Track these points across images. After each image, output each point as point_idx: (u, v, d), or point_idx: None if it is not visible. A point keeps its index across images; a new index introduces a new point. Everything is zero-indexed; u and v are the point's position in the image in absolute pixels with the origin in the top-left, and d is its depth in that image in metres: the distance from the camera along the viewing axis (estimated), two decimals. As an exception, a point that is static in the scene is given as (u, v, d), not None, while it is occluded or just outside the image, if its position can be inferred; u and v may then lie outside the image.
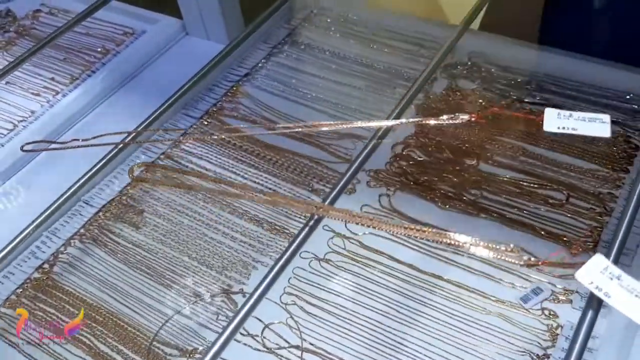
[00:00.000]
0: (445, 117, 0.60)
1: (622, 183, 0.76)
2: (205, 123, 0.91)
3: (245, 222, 0.78)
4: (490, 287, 0.69)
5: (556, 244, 0.71)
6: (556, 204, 0.75)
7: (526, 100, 0.88)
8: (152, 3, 1.15)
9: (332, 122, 0.67)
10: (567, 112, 0.50)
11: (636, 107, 0.83)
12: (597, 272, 0.46)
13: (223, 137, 0.87)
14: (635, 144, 0.80)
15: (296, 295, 0.70)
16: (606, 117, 0.49)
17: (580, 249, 0.69)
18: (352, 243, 0.74)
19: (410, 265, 0.71)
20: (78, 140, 0.69)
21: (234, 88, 0.96)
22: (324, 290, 0.71)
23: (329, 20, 1.06)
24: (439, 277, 0.70)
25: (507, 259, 0.51)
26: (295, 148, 0.86)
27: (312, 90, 0.95)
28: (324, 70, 0.97)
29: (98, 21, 1.11)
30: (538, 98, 0.87)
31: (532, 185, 0.77)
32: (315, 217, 0.63)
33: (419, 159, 0.83)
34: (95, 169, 0.78)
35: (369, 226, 0.56)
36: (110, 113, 0.98)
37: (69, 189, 0.77)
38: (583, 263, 0.47)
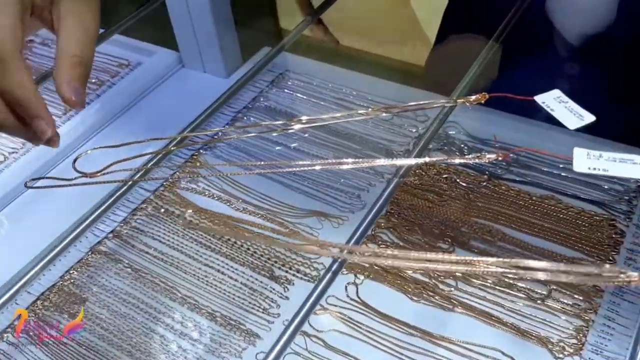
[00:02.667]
0: (470, 156, 0.57)
1: (608, 275, 0.70)
2: (161, 197, 0.84)
3: (197, 314, 0.71)
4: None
5: (535, 345, 0.65)
6: (537, 298, 0.69)
7: (504, 176, 0.82)
8: (148, 36, 1.12)
9: (354, 160, 0.63)
10: (597, 153, 0.49)
11: (620, 187, 0.78)
12: None
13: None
14: (621, 230, 0.74)
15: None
16: (638, 158, 0.48)
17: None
18: (315, 342, 0.67)
19: (377, 371, 0.64)
20: (86, 175, 0.61)
21: (193, 157, 0.89)
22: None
23: (299, 84, 1.00)
24: (409, 386, 0.63)
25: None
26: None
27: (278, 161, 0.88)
28: (291, 140, 0.91)
29: (93, 52, 1.08)
30: (518, 178, 0.82)
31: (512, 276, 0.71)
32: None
33: (390, 241, 0.77)
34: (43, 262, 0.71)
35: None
36: (104, 145, 0.92)
37: (8, 281, 0.70)
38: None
